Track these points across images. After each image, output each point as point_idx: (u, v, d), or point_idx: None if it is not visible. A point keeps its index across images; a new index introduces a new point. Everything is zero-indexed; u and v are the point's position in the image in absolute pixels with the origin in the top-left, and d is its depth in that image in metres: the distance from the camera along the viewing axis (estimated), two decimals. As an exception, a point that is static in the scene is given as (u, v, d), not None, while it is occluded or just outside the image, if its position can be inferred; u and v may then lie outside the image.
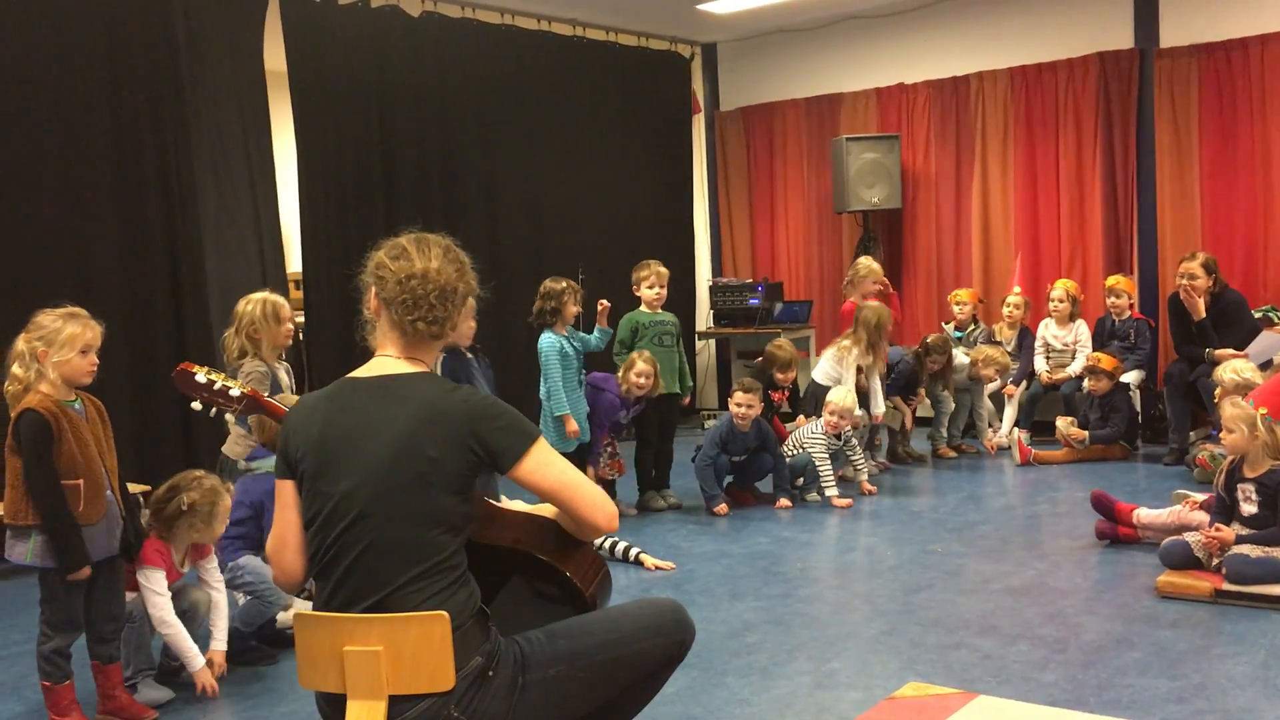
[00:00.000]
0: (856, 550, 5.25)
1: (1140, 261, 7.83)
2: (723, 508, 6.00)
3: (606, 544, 5.13)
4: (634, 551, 5.15)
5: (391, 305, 2.36)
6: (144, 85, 6.06)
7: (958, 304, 7.91)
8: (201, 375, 2.93)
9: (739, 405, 6.00)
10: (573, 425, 5.62)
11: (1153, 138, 7.67)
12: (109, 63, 5.93)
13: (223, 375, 3.02)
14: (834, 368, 6.67)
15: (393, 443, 2.27)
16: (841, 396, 6.24)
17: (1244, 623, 3.98)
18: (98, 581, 3.48)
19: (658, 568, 5.06)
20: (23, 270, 5.55)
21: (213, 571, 3.85)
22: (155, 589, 3.59)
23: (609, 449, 6.09)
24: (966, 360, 7.33)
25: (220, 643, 3.76)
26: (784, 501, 6.13)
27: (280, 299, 4.65)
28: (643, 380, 5.94)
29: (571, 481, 2.37)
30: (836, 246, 9.02)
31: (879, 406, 6.68)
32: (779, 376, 6.70)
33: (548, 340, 5.69)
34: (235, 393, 2.93)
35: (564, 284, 5.74)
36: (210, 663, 3.69)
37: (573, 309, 5.72)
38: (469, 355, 5.04)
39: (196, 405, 3.84)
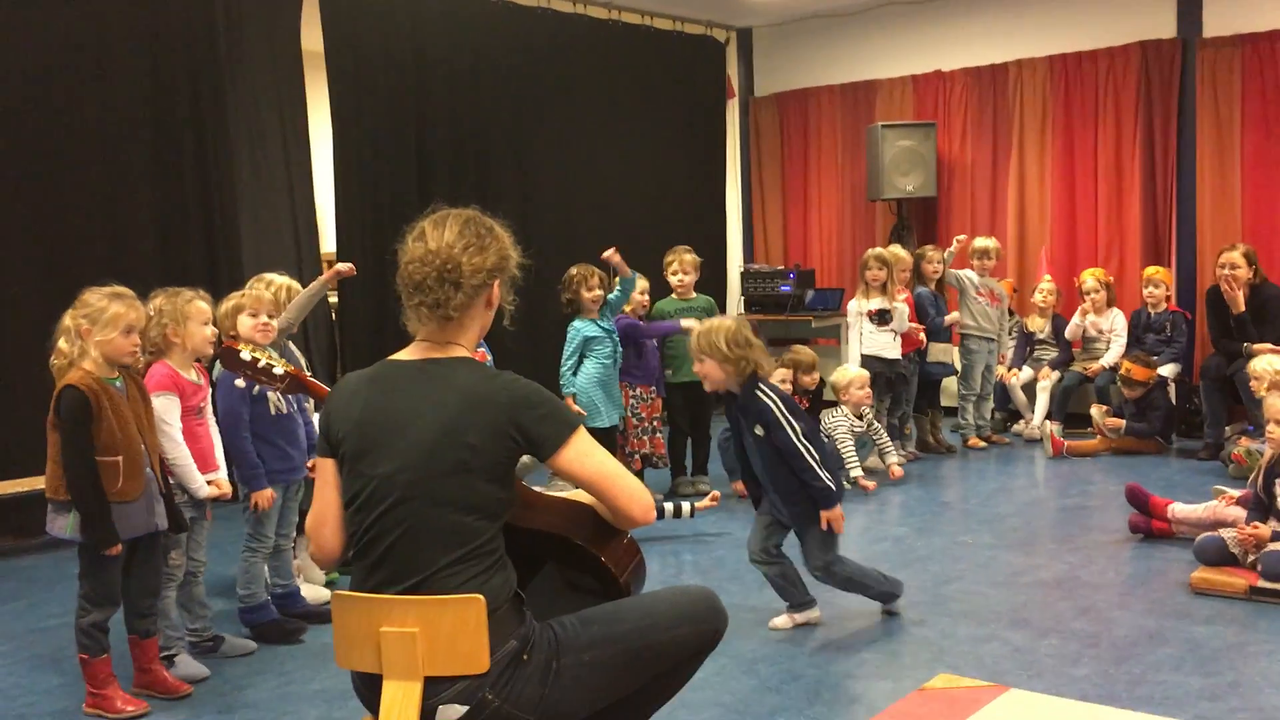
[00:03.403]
0: (886, 540, 5.23)
1: (1178, 254, 7.74)
2: (739, 485, 5.83)
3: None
4: (686, 506, 5.25)
5: (401, 290, 2.37)
6: (182, 63, 6.10)
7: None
8: (246, 353, 2.96)
9: None
10: (573, 406, 5.54)
11: (1194, 128, 7.57)
12: (148, 41, 5.97)
13: (267, 353, 3.04)
14: (855, 326, 6.72)
15: (434, 429, 2.27)
16: (842, 374, 6.30)
17: (1279, 620, 3.95)
18: (136, 556, 3.53)
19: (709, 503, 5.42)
20: (62, 247, 5.62)
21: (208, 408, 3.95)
22: (164, 418, 3.65)
23: (653, 422, 6.07)
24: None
25: (222, 470, 3.91)
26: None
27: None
28: (644, 298, 6.20)
29: (610, 473, 2.37)
30: (870, 234, 8.96)
31: (902, 324, 6.73)
32: (805, 380, 6.41)
33: (574, 324, 5.76)
34: (278, 371, 2.95)
35: (575, 272, 5.74)
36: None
37: (586, 294, 5.69)
38: None
39: (240, 382, 3.89)
